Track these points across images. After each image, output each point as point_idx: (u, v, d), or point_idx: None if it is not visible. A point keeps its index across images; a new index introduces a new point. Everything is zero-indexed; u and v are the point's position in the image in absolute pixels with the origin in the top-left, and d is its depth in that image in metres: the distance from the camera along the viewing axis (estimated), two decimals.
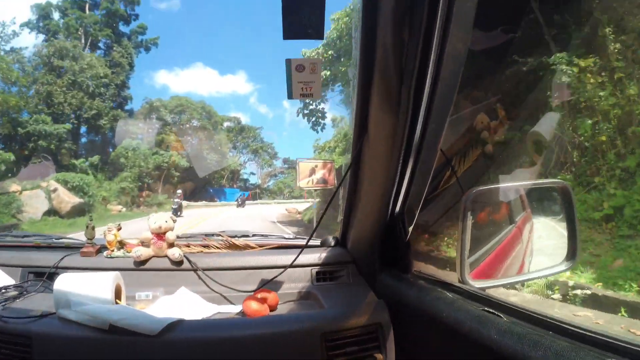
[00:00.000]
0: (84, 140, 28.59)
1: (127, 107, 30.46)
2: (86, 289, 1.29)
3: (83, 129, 27.94)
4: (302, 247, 1.50)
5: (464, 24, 0.99)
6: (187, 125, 34.26)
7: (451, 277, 1.28)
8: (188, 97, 35.05)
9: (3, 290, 1.44)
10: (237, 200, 32.05)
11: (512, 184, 1.54)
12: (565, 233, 1.35)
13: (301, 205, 23.71)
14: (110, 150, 28.45)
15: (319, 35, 1.08)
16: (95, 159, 26.46)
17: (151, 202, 27.22)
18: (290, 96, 1.18)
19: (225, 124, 37.83)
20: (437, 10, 0.96)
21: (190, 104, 34.10)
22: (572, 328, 0.84)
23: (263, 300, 1.36)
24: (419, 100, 1.09)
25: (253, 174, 41.54)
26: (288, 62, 1.15)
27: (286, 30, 1.07)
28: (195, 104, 34.84)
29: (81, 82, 25.93)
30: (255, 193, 37.49)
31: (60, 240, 1.80)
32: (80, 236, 1.79)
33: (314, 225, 1.60)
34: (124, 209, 24.90)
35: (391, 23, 1.03)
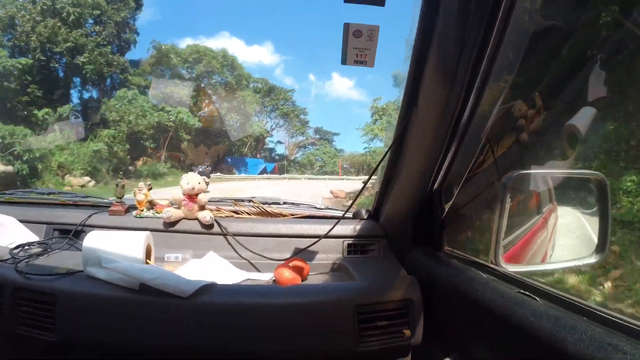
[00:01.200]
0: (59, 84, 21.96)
1: (129, 55, 25.39)
2: (117, 248, 1.28)
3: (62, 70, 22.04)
4: (338, 219, 1.49)
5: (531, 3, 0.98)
6: (205, 78, 29.41)
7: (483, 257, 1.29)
8: (207, 46, 30.23)
9: (27, 247, 1.43)
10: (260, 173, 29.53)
11: (550, 171, 1.54)
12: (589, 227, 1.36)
13: (347, 185, 21.14)
14: (102, 102, 23.06)
15: (381, 2, 1.06)
16: (66, 109, 20.02)
17: (143, 172, 21.97)
18: (344, 61, 1.17)
19: (252, 84, 33.08)
20: None
21: (209, 52, 29.21)
22: (606, 315, 0.84)
23: (295, 269, 1.36)
24: (474, 78, 1.08)
25: (280, 142, 37.25)
26: (346, 26, 1.13)
27: None
28: (216, 52, 29.66)
29: (60, 8, 20.36)
30: (282, 165, 34.25)
31: (87, 199, 1.79)
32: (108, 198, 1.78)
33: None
34: (92, 183, 18.64)
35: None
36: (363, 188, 1.44)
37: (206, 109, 30.29)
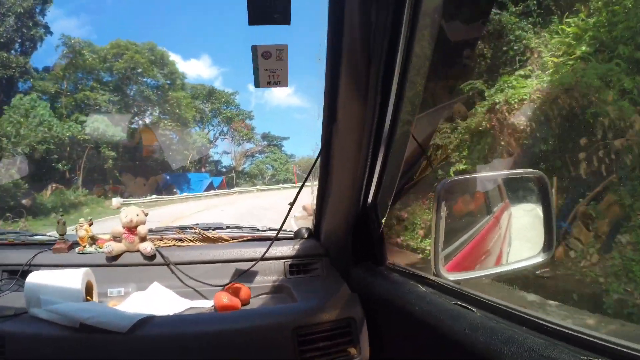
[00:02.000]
0: None
1: (36, 55, 20.48)
2: (56, 287, 1.27)
3: None
4: (272, 239, 1.48)
5: (434, 7, 0.97)
6: (129, 79, 23.32)
7: (427, 269, 1.27)
8: (130, 40, 23.83)
9: None
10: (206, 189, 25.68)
11: (488, 174, 1.53)
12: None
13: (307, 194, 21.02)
14: None
15: (286, 20, 1.05)
16: None
17: (47, 205, 16.26)
18: (257, 84, 1.15)
19: (189, 90, 28.30)
20: None
21: (132, 46, 23.28)
22: (547, 324, 0.82)
23: (235, 294, 1.34)
24: (389, 87, 1.07)
25: (226, 153, 33.25)
26: (254, 48, 1.12)
27: (252, 15, 1.04)
28: (140, 45, 23.64)
29: None
30: (230, 178, 30.67)
31: (34, 237, 1.77)
32: (54, 233, 1.76)
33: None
34: None
35: (358, 4, 1.00)
36: (290, 209, 1.42)
37: (133, 119, 24.74)
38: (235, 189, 28.22)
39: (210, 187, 27.05)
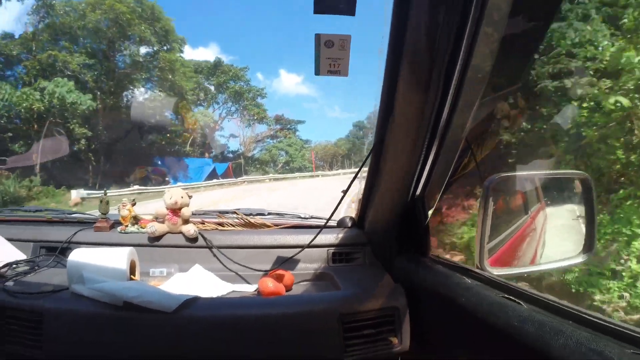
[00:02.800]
0: None
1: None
2: (100, 265, 1.28)
3: None
4: (320, 228, 1.49)
5: (500, 10, 0.98)
6: (106, 35, 18.01)
7: (467, 264, 1.28)
8: None
9: (14, 265, 1.43)
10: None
11: (534, 172, 1.54)
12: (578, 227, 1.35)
13: (327, 184, 18.21)
14: None
15: (351, 11, 1.06)
16: None
17: None
18: (317, 72, 1.16)
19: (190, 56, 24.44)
20: None
21: None
22: (592, 318, 0.83)
23: (279, 280, 1.35)
24: (448, 85, 1.08)
25: (234, 136, 29.99)
26: (317, 37, 1.13)
27: (317, 4, 1.04)
28: None
29: None
30: (237, 165, 27.79)
31: (73, 215, 1.79)
32: (94, 213, 1.78)
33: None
34: None
35: (427, 4, 1.01)
36: (343, 197, 1.43)
37: (113, 86, 19.09)
38: (244, 177, 24.99)
39: (213, 175, 23.79)
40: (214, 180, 22.88)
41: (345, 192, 1.42)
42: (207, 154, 26.94)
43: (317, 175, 28.57)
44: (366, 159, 1.35)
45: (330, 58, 1.15)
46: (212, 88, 28.74)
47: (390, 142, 1.22)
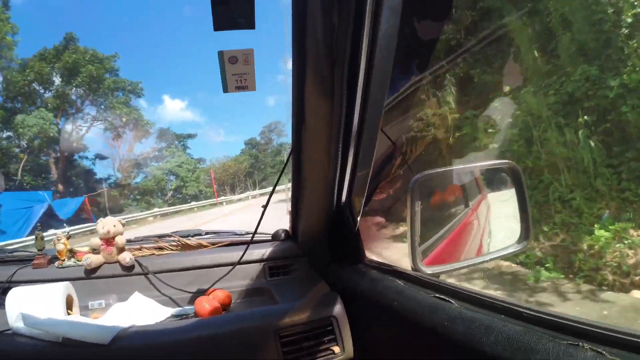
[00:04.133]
0: None
1: None
2: (37, 302, 1.26)
3: None
4: (248, 243, 1.48)
5: (395, 5, 0.98)
6: None
7: (406, 264, 1.28)
8: None
9: None
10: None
11: (461, 167, 1.55)
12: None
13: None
14: None
15: (250, 25, 1.05)
16: None
17: None
18: (225, 89, 1.15)
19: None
20: None
21: None
22: (525, 311, 0.82)
23: (215, 299, 1.34)
24: (354, 85, 1.08)
25: (102, 158, 22.17)
26: (220, 54, 1.12)
27: (216, 21, 1.04)
28: None
29: None
30: (111, 197, 20.23)
31: (13, 254, 1.75)
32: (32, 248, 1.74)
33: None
34: None
35: (320, 8, 1.01)
36: (264, 211, 1.42)
37: None
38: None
39: (49, 217, 14.99)
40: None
41: (265, 206, 1.41)
42: (56, 185, 16.91)
43: (222, 203, 23.10)
44: (282, 170, 1.35)
45: (236, 74, 1.14)
46: (58, 79, 18.90)
47: (305, 150, 1.22)
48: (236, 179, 29.79)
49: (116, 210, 19.55)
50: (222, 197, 25.33)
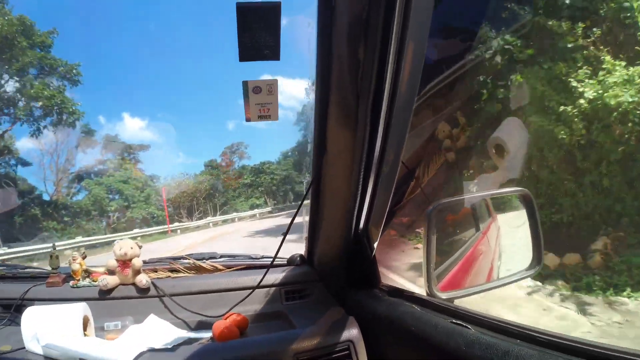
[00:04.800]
0: None
1: None
2: (54, 323, 1.26)
3: None
4: (267, 267, 1.49)
5: (419, 39, 1.00)
6: None
7: (421, 287, 1.30)
8: None
9: None
10: None
11: (475, 195, 1.58)
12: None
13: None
14: None
15: (275, 56, 1.08)
16: None
17: None
18: (248, 119, 1.18)
19: None
20: (392, 24, 0.96)
21: None
22: (541, 335, 0.84)
23: (233, 324, 1.34)
24: (377, 116, 1.10)
25: (26, 164, 17.37)
26: (245, 84, 1.15)
27: (242, 52, 1.06)
28: None
29: None
30: (30, 219, 15.72)
31: (26, 271, 1.75)
32: (46, 265, 1.74)
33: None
34: None
35: (346, 40, 1.04)
36: (284, 237, 1.44)
37: None
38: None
39: None
40: None
41: (285, 233, 1.43)
42: None
43: (175, 231, 19.18)
44: (304, 197, 1.36)
45: (259, 104, 1.17)
46: None
47: (326, 178, 1.24)
48: (194, 201, 25.69)
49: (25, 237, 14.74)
50: (177, 224, 20.70)
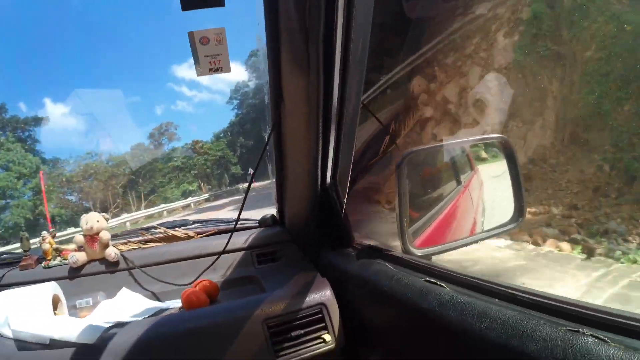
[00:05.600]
0: None
1: None
2: (24, 305, 1.24)
3: None
4: (231, 231, 1.45)
5: None
6: None
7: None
8: None
9: None
10: None
11: (451, 142, 1.50)
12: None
13: None
14: None
15: (220, 2, 1.01)
16: None
17: None
18: (199, 73, 1.11)
19: None
20: None
21: None
22: (522, 294, 0.78)
23: (202, 291, 1.31)
24: (331, 59, 1.05)
25: None
26: (191, 35, 1.08)
27: (184, 1, 0.99)
28: None
29: None
30: None
31: (2, 257, 1.73)
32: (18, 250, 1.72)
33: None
34: None
35: None
36: (245, 196, 1.38)
37: None
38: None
39: None
40: None
41: (247, 192, 1.37)
42: None
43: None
44: (263, 151, 1.30)
45: (209, 55, 1.09)
46: None
47: (285, 130, 1.19)
48: (109, 191, 21.24)
49: None
50: (68, 231, 13.46)
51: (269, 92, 1.15)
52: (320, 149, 1.21)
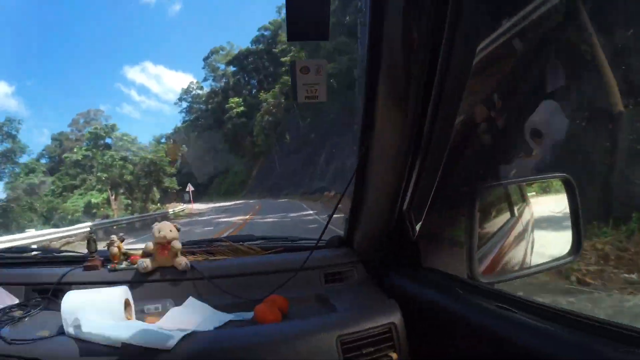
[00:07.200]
0: None
1: None
2: (95, 306, 1.26)
3: None
4: (311, 249, 1.49)
5: (474, 20, 1.00)
6: None
7: (462, 271, 1.29)
8: None
9: (7, 310, 1.40)
10: None
11: (518, 179, 1.56)
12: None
13: None
14: None
15: (324, 36, 1.07)
16: None
17: None
18: (295, 99, 1.18)
19: None
20: (448, 6, 0.96)
21: None
22: (587, 320, 0.84)
23: (275, 306, 1.35)
24: (428, 97, 1.10)
25: None
26: (292, 64, 1.15)
27: (290, 32, 1.06)
28: None
29: None
30: None
31: (62, 255, 1.76)
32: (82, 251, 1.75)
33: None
34: None
35: (400, 20, 1.03)
36: (329, 219, 1.44)
37: None
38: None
39: None
40: None
41: (331, 215, 1.43)
42: None
43: None
44: (352, 178, 1.36)
45: (306, 84, 1.17)
46: None
47: (373, 158, 1.24)
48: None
49: None
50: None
51: (360, 121, 1.22)
52: (405, 175, 1.27)
